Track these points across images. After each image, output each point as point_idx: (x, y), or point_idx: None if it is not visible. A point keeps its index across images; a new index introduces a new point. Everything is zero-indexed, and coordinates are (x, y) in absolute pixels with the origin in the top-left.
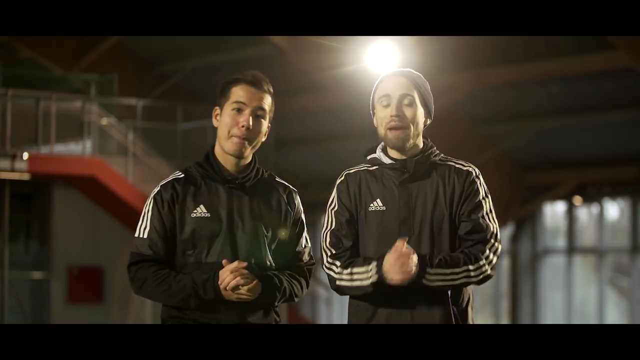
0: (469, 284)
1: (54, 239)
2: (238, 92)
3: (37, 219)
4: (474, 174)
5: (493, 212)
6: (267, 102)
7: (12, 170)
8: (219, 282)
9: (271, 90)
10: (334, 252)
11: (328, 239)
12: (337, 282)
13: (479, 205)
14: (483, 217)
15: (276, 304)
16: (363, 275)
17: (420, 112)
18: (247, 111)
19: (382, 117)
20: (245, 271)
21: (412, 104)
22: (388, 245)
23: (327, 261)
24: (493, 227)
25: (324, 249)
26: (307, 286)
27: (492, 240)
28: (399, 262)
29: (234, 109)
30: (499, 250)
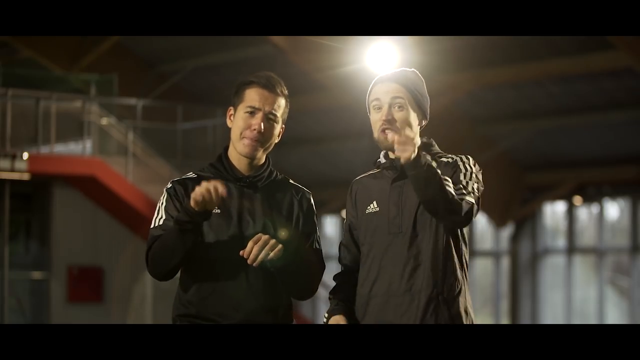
0: (455, 198)
1: (54, 239)
2: (251, 95)
3: (37, 219)
4: (460, 159)
5: (473, 174)
6: (280, 105)
7: (12, 170)
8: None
9: (285, 92)
10: (337, 272)
11: (339, 253)
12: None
13: (457, 170)
14: (460, 174)
15: (293, 284)
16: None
17: (413, 115)
18: (259, 114)
19: (375, 122)
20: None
21: (402, 108)
22: (379, 246)
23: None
24: (470, 174)
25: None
26: (316, 288)
27: (466, 180)
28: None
29: (246, 112)
30: (478, 192)
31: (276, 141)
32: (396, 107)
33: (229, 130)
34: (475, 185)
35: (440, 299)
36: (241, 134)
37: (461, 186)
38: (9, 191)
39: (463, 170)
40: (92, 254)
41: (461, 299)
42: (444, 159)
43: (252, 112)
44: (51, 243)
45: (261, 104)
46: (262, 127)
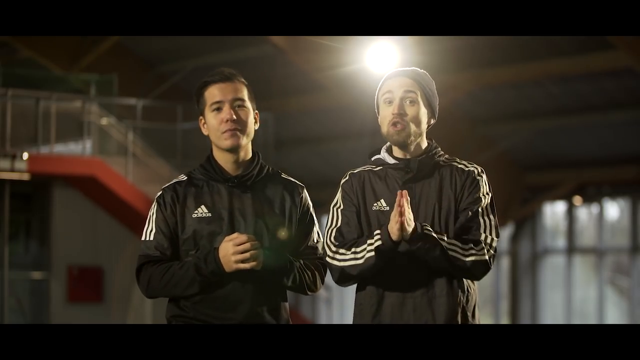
0: (466, 263)
1: (54, 239)
2: (212, 93)
3: (37, 219)
4: (476, 172)
5: (492, 209)
6: (242, 90)
7: (12, 170)
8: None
9: (242, 79)
10: (337, 243)
11: (333, 235)
12: (343, 265)
13: (478, 200)
14: (480, 212)
15: (287, 284)
16: (368, 247)
17: (423, 111)
18: (226, 106)
19: (385, 116)
20: (245, 237)
21: (414, 102)
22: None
23: (330, 253)
24: (489, 222)
25: (327, 245)
26: (322, 281)
27: (485, 234)
28: (397, 212)
29: (213, 110)
30: (494, 243)
31: (255, 127)
32: (408, 102)
33: None
34: (495, 233)
35: (464, 311)
36: (218, 130)
37: (481, 241)
38: (9, 191)
39: (485, 211)
40: (92, 254)
41: (477, 312)
42: (455, 164)
43: (219, 108)
44: (51, 243)
45: (223, 96)
46: (233, 116)
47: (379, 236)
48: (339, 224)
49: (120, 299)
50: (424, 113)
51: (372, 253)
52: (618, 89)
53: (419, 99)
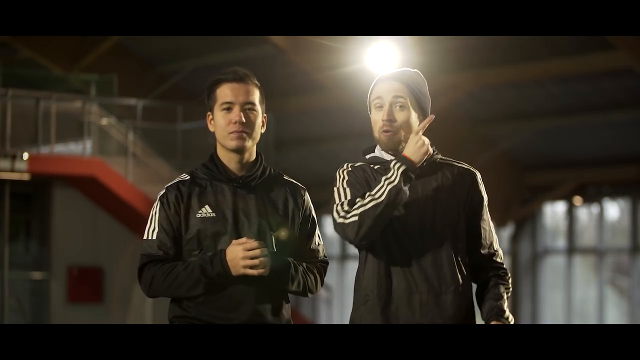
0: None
1: (54, 239)
2: (224, 92)
3: (37, 219)
4: (479, 177)
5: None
6: (254, 94)
7: (12, 170)
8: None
9: (256, 82)
10: (348, 208)
11: (345, 202)
12: (362, 210)
13: (486, 213)
14: (490, 228)
15: (290, 288)
16: (387, 183)
17: (414, 115)
18: (236, 108)
19: (376, 121)
20: (255, 243)
21: (404, 107)
22: (396, 241)
23: (342, 214)
24: (493, 235)
25: (337, 212)
26: (322, 284)
27: (498, 248)
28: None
29: (223, 110)
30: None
31: (262, 131)
32: (397, 107)
33: None
34: (495, 236)
35: (470, 309)
36: (225, 130)
37: (495, 251)
38: (9, 191)
39: (488, 220)
40: (92, 254)
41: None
42: (454, 164)
43: (229, 108)
44: (51, 243)
45: (234, 98)
46: (243, 118)
47: (394, 160)
48: (348, 197)
49: (120, 299)
50: (414, 117)
51: (395, 182)
52: (618, 89)
53: (409, 104)
